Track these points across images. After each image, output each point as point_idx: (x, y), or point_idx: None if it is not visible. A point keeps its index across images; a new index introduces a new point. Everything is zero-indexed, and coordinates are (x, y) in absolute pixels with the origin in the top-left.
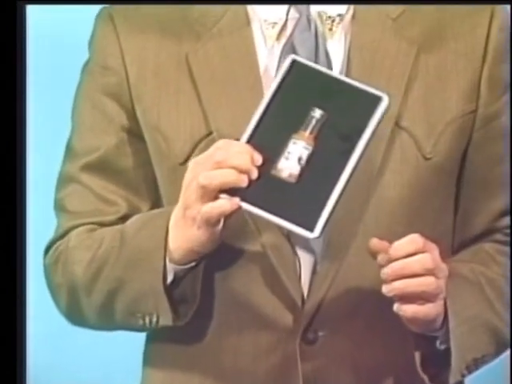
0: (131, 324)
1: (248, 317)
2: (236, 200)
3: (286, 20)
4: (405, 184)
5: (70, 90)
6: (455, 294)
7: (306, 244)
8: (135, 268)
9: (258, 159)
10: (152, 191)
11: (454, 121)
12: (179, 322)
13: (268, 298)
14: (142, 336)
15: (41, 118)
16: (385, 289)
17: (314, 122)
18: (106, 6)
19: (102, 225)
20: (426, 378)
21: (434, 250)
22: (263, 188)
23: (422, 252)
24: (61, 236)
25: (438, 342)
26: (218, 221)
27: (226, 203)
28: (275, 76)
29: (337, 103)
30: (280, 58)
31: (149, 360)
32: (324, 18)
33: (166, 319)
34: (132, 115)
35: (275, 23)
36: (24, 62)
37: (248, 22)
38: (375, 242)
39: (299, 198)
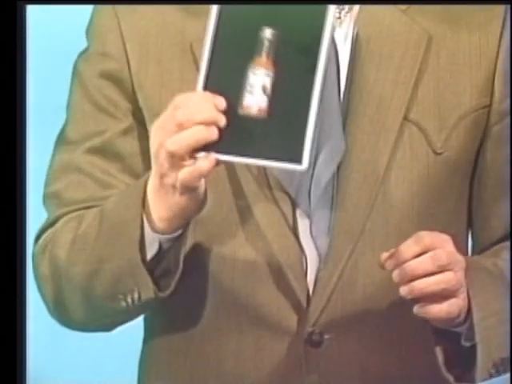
0: (114, 308)
1: (250, 318)
2: (212, 156)
3: None
4: (414, 180)
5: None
6: (478, 287)
7: (312, 242)
8: (113, 243)
9: (222, 103)
10: None
11: (466, 115)
12: (162, 294)
13: (272, 298)
14: (142, 335)
15: (41, 117)
16: (403, 291)
17: (267, 43)
18: None
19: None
20: (451, 377)
21: (446, 243)
22: (235, 132)
23: (433, 249)
24: (51, 224)
25: (462, 339)
26: (199, 182)
27: (203, 164)
28: None
29: (283, 17)
30: None
31: (145, 371)
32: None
33: (148, 292)
34: (134, 101)
35: None
36: (24, 61)
37: None
38: (385, 255)
39: (276, 132)
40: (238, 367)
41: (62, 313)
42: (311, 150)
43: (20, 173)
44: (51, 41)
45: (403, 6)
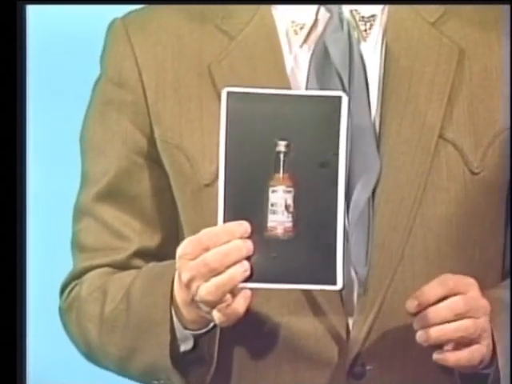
0: None
1: (288, 351)
2: (247, 293)
3: (316, 20)
4: (452, 201)
5: (69, 90)
6: (503, 329)
7: (349, 271)
8: (143, 337)
9: (247, 230)
10: (167, 221)
11: (501, 132)
12: None
13: (309, 329)
14: None
15: (41, 117)
16: (419, 337)
17: (282, 157)
18: (118, 17)
19: (114, 266)
20: None
21: (471, 287)
22: (264, 256)
23: (454, 294)
24: (75, 276)
25: (489, 380)
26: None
27: (238, 305)
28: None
29: (296, 122)
30: (310, 62)
31: None
32: (357, 18)
33: None
34: (149, 137)
35: (304, 24)
36: (24, 61)
37: (274, 29)
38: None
39: (305, 252)
40: None
41: (93, 362)
42: (343, 268)
43: (20, 173)
44: (51, 41)
45: (431, 19)
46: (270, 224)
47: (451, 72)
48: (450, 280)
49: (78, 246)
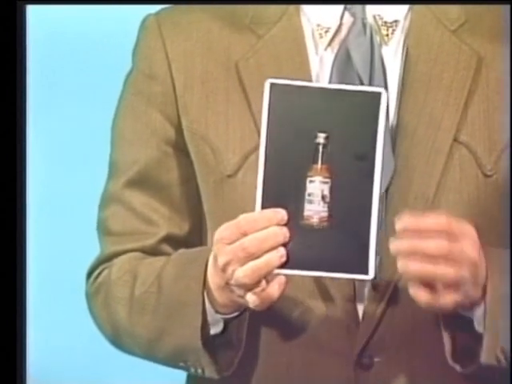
0: (177, 367)
1: (300, 340)
2: (282, 280)
3: (341, 24)
4: (464, 203)
5: (69, 90)
6: (497, 268)
7: None
8: (174, 319)
9: (284, 218)
10: (193, 210)
11: None
12: (225, 373)
13: (321, 319)
14: None
15: (40, 117)
16: (400, 266)
17: (320, 149)
18: (152, 12)
19: (143, 251)
20: (457, 366)
21: (465, 238)
22: (298, 244)
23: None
24: (103, 261)
25: (475, 324)
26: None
27: (273, 290)
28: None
29: (335, 115)
30: (333, 64)
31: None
32: (380, 23)
33: (211, 371)
34: (177, 127)
35: (329, 28)
36: (24, 61)
37: (301, 31)
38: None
39: (339, 242)
40: None
41: (120, 347)
42: (376, 258)
43: (20, 173)
44: (51, 41)
45: (452, 27)
46: (306, 213)
47: (469, 78)
48: (447, 221)
49: (105, 232)
